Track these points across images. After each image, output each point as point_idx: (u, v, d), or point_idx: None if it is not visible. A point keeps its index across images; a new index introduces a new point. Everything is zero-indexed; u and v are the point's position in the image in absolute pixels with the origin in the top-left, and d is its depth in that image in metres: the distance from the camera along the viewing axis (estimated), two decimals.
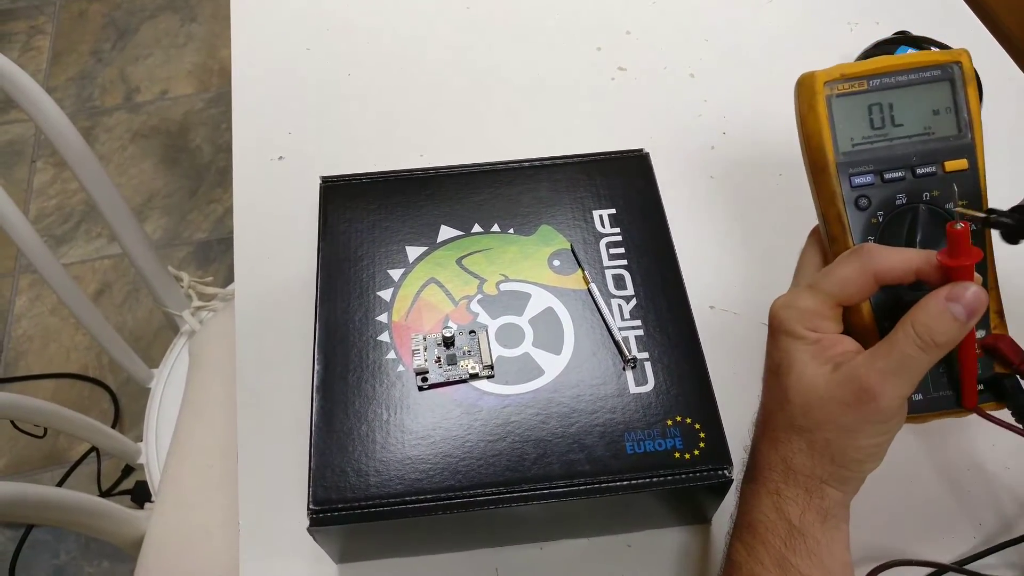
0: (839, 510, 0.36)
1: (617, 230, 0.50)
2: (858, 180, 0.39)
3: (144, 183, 1.58)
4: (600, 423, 0.42)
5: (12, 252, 1.49)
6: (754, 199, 0.61)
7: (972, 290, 0.33)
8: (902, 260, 0.35)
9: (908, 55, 0.39)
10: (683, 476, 0.41)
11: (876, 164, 0.39)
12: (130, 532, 0.76)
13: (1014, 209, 0.37)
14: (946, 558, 0.45)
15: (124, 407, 1.31)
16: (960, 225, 0.34)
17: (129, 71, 1.77)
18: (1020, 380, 0.38)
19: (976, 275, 0.34)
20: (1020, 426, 0.38)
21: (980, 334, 0.38)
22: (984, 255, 0.38)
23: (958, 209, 0.37)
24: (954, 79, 0.39)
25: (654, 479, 0.41)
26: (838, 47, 0.69)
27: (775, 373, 0.38)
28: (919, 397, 0.38)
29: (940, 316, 0.33)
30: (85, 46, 1.83)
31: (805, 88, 0.39)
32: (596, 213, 0.50)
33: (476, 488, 0.41)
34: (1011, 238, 0.38)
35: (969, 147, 0.39)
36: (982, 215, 0.37)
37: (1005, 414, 0.38)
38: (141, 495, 1.03)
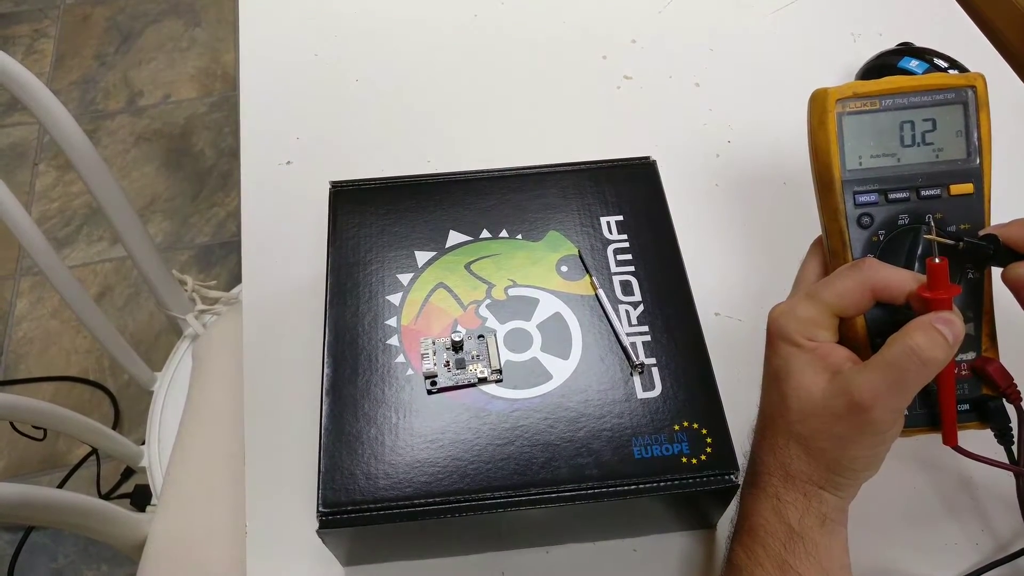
0: (837, 514, 0.37)
1: (624, 236, 0.50)
2: (862, 198, 0.39)
3: (146, 186, 1.59)
4: (607, 428, 0.43)
5: (13, 255, 1.49)
6: (759, 207, 0.61)
7: (953, 319, 0.34)
8: (899, 279, 0.36)
9: (922, 77, 0.39)
10: (690, 481, 0.41)
11: (881, 183, 0.39)
12: (132, 535, 0.76)
13: (984, 236, 0.38)
14: (946, 575, 0.45)
15: (124, 411, 1.31)
16: (939, 260, 0.34)
17: (132, 75, 1.77)
18: (1004, 403, 0.39)
19: (955, 308, 0.35)
20: (999, 460, 0.39)
21: (971, 356, 0.39)
22: (970, 285, 0.38)
23: (927, 236, 0.37)
24: (967, 103, 0.39)
25: (661, 484, 0.41)
26: (841, 58, 0.69)
27: (774, 380, 0.38)
28: (905, 412, 0.38)
29: (934, 335, 0.34)
30: (88, 50, 1.83)
31: (817, 104, 0.39)
32: (604, 219, 0.51)
33: (484, 491, 0.41)
34: (982, 264, 0.38)
35: (976, 172, 0.39)
36: (952, 242, 0.37)
37: (987, 439, 0.39)
38: (140, 500, 1.03)
